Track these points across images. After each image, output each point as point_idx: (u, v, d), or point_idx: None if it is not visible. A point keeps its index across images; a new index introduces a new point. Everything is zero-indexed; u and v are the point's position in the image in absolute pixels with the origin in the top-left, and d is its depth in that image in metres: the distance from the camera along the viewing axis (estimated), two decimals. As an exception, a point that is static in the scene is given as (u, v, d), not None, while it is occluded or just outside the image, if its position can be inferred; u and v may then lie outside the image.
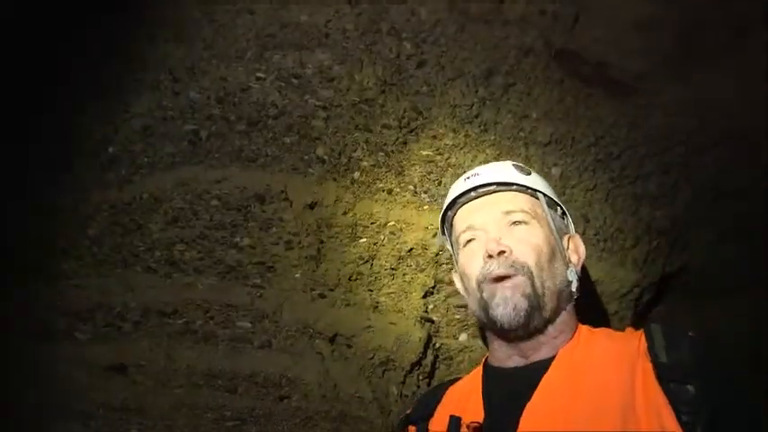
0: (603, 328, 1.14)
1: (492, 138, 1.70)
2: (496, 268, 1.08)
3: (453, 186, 1.28)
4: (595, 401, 0.95)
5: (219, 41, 1.58)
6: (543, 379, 1.03)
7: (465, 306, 1.77)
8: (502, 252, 1.09)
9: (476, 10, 1.65)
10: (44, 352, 1.40)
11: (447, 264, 1.69)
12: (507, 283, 1.07)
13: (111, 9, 1.52)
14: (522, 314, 1.06)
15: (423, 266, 1.70)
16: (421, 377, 1.69)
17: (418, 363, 1.66)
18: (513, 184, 1.19)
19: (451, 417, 1.05)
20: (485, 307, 1.10)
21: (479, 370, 1.17)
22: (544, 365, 1.06)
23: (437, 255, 1.69)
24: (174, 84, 1.58)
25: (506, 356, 1.13)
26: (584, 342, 1.09)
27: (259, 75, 1.57)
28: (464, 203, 1.21)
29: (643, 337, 1.02)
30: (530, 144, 1.73)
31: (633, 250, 1.87)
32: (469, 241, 1.16)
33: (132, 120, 1.58)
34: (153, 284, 1.52)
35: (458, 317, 1.75)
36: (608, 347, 1.05)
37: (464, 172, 1.69)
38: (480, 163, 1.72)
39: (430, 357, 1.71)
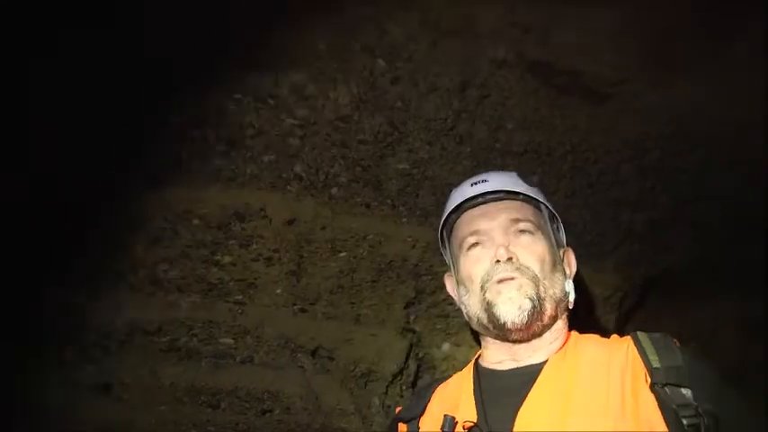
0: (591, 334, 1.17)
1: (468, 149, 1.73)
2: (503, 272, 1.11)
3: (457, 190, 1.28)
4: (588, 403, 0.99)
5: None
6: (537, 381, 1.05)
7: (447, 315, 1.80)
8: (510, 258, 1.11)
9: (447, 25, 1.67)
10: (31, 372, 1.44)
11: (427, 275, 1.72)
12: (513, 283, 1.10)
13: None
14: (525, 314, 1.08)
15: (403, 278, 1.73)
16: (404, 387, 1.72)
17: (400, 373, 1.69)
18: (520, 194, 1.21)
19: (446, 416, 1.06)
20: (488, 306, 1.11)
21: (470, 369, 1.18)
22: (536, 368, 1.09)
23: (417, 266, 1.72)
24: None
25: (500, 360, 1.15)
26: (573, 347, 1.12)
27: (236, 96, 1.61)
28: (469, 208, 1.22)
29: (632, 343, 1.06)
30: (506, 154, 1.75)
31: (613, 254, 1.89)
32: (474, 245, 1.17)
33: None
34: (137, 303, 1.56)
35: (440, 326, 1.78)
36: (597, 352, 1.08)
37: (441, 184, 1.75)
38: (458, 175, 1.74)
39: (413, 367, 1.74)
